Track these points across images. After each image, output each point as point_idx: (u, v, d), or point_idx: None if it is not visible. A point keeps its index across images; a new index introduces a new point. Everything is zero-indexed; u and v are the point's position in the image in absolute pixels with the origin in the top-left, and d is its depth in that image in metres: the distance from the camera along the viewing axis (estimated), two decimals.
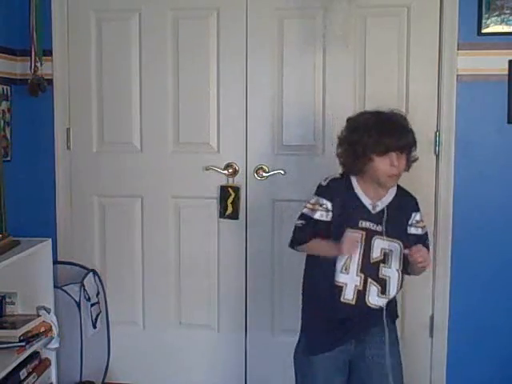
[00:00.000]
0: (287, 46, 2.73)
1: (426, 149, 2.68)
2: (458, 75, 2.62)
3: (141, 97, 2.86)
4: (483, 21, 2.59)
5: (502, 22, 2.58)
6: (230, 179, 2.80)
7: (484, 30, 2.59)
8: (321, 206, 2.07)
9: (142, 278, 2.95)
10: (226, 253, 2.86)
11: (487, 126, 2.64)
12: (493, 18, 2.58)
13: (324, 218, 2.07)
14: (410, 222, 2.10)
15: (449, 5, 2.60)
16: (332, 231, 2.05)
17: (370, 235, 2.04)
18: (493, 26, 2.59)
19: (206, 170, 2.80)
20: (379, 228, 2.04)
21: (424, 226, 2.12)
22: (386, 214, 2.04)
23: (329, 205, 2.06)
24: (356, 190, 2.08)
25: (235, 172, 2.80)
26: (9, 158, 2.83)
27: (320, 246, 2.08)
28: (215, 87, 2.80)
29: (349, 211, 2.06)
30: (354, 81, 2.69)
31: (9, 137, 2.85)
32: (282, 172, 2.74)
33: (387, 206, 2.06)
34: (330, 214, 2.07)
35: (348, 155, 2.05)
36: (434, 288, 2.73)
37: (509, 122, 2.61)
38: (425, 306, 2.75)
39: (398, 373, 2.10)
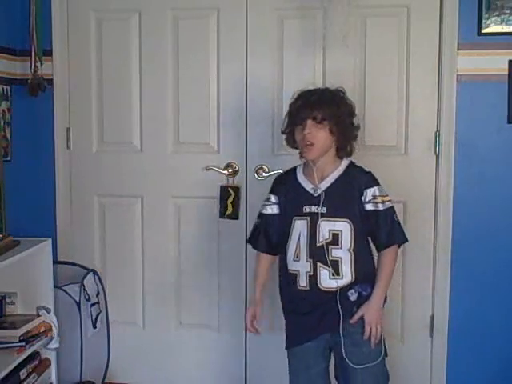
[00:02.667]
0: (287, 46, 2.73)
1: (426, 149, 2.69)
2: (458, 75, 2.62)
3: (141, 97, 2.86)
4: (483, 21, 2.58)
5: (502, 21, 2.58)
6: (230, 179, 2.80)
7: (484, 30, 2.59)
8: (268, 200, 2.23)
9: (141, 277, 2.95)
10: (226, 253, 2.86)
11: (487, 126, 2.64)
12: (493, 18, 2.58)
13: (273, 212, 2.21)
14: (365, 199, 2.08)
15: (449, 5, 2.59)
16: (281, 222, 2.17)
17: (315, 219, 2.07)
18: (493, 26, 2.59)
19: (206, 170, 2.80)
20: (324, 210, 2.07)
21: (385, 201, 2.09)
22: (323, 195, 2.07)
23: (273, 198, 2.22)
24: (298, 178, 2.17)
25: (235, 172, 2.80)
26: (9, 158, 2.83)
27: (256, 272, 2.30)
28: (215, 87, 2.80)
29: (293, 200, 2.15)
30: (354, 81, 2.69)
31: (9, 137, 2.85)
32: (282, 172, 2.74)
33: (330, 186, 2.09)
34: (276, 206, 2.21)
35: (287, 139, 2.19)
36: (434, 288, 2.73)
37: (509, 122, 2.61)
38: (425, 306, 2.75)
39: (360, 359, 2.07)
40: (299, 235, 2.10)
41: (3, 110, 2.80)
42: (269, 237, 2.23)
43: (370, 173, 2.14)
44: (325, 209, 2.06)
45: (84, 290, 2.73)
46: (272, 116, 2.76)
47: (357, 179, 2.11)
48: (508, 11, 2.57)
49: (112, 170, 2.93)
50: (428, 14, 2.64)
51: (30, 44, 2.78)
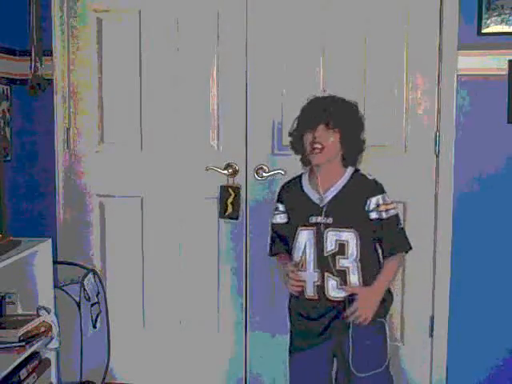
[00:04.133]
0: (288, 45, 2.73)
1: (425, 149, 2.69)
2: (457, 75, 2.62)
3: (141, 96, 2.86)
4: (483, 21, 2.58)
5: (502, 21, 2.58)
6: (230, 179, 2.80)
7: (484, 30, 2.59)
8: (276, 209, 2.23)
9: (141, 277, 2.95)
10: (226, 253, 2.86)
11: (487, 125, 2.64)
12: (493, 18, 2.58)
13: (282, 221, 2.21)
14: (369, 208, 2.08)
15: (449, 5, 2.59)
16: (288, 231, 2.17)
17: (321, 229, 2.07)
18: (493, 26, 2.59)
19: (206, 170, 2.80)
20: (330, 220, 2.06)
21: (388, 210, 2.08)
22: (328, 206, 2.07)
23: (281, 207, 2.21)
24: (304, 187, 2.15)
25: (235, 172, 2.80)
26: (9, 158, 2.83)
27: (281, 266, 2.23)
28: (215, 87, 2.80)
29: (298, 209, 2.14)
30: (356, 82, 2.69)
31: (9, 137, 2.85)
32: (282, 172, 2.74)
33: (335, 196, 2.07)
34: (285, 215, 2.20)
35: (293, 142, 2.17)
36: (433, 288, 2.73)
37: (509, 122, 2.61)
38: (425, 306, 2.75)
39: (365, 366, 2.07)
40: (305, 245, 2.10)
41: (3, 110, 2.81)
42: (285, 242, 2.21)
43: (373, 180, 2.12)
44: (331, 219, 2.06)
45: (84, 289, 2.73)
46: (272, 116, 2.76)
47: (361, 188, 2.10)
48: (508, 11, 2.57)
49: (112, 169, 2.93)
50: (428, 15, 2.64)
51: (29, 44, 2.79)
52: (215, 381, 2.92)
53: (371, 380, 2.07)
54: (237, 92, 2.77)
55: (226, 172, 2.80)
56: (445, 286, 2.71)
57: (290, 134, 2.18)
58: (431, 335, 2.77)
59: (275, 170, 2.75)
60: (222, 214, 2.80)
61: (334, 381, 2.23)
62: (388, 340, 2.13)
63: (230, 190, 2.78)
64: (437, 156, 2.69)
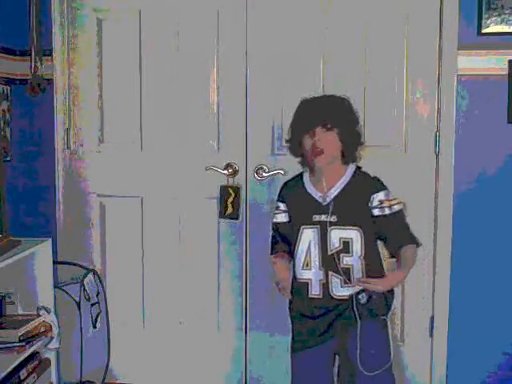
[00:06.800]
0: (288, 46, 2.73)
1: (425, 149, 2.69)
2: (457, 75, 2.62)
3: (141, 96, 2.86)
4: (483, 21, 2.58)
5: (502, 21, 2.58)
6: (230, 179, 2.80)
7: (484, 30, 2.59)
8: (277, 209, 2.22)
9: (141, 277, 2.95)
10: (226, 253, 2.86)
11: (487, 125, 2.64)
12: (493, 18, 2.58)
13: (283, 220, 2.20)
14: (372, 205, 2.08)
15: (449, 5, 2.59)
16: (290, 230, 2.16)
17: (325, 227, 2.06)
18: (493, 26, 2.59)
19: (206, 170, 2.80)
20: (334, 218, 2.06)
21: (391, 206, 2.08)
22: (332, 204, 2.06)
23: (282, 206, 2.20)
24: (306, 186, 2.15)
25: (235, 172, 2.80)
26: (9, 158, 2.83)
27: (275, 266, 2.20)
28: (215, 87, 2.80)
29: (301, 208, 2.13)
30: (356, 82, 2.69)
31: (9, 137, 2.85)
32: (282, 172, 2.74)
33: (338, 195, 2.07)
34: (286, 214, 2.19)
35: (291, 145, 2.16)
36: (433, 288, 2.73)
37: (509, 122, 2.61)
38: (425, 306, 2.75)
39: (372, 365, 2.06)
40: (309, 244, 2.09)
41: (3, 110, 2.81)
42: (287, 242, 2.20)
43: (375, 178, 2.13)
44: (335, 217, 2.06)
45: (84, 289, 2.73)
46: (272, 116, 2.76)
47: (363, 185, 2.10)
48: (508, 11, 2.57)
49: (112, 169, 2.93)
50: (428, 14, 2.64)
51: (29, 44, 2.79)
52: (215, 381, 2.92)
53: (377, 379, 2.06)
54: (237, 92, 2.77)
55: (226, 172, 2.80)
56: (445, 286, 2.71)
57: (287, 141, 2.17)
58: (431, 335, 2.77)
59: (275, 170, 2.75)
60: (222, 214, 2.80)
61: (336, 379, 2.23)
62: (391, 339, 2.13)
63: (230, 190, 2.78)
64: (437, 156, 2.69)
